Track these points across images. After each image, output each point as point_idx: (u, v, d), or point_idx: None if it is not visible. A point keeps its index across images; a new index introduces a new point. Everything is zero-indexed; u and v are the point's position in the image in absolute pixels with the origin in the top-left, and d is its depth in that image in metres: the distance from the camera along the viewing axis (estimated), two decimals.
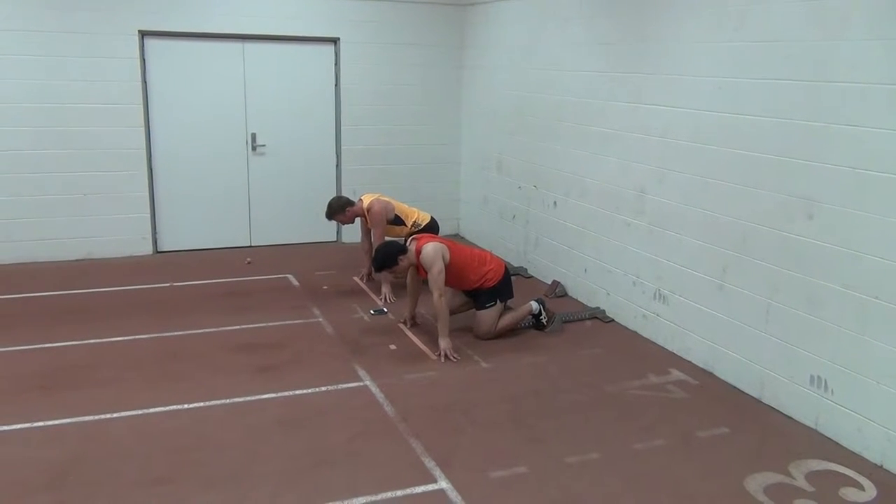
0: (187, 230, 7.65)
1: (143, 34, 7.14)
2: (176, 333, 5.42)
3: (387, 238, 6.07)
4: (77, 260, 7.20)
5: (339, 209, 6.39)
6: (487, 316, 5.37)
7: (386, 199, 6.43)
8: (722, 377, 4.79)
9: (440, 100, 8.30)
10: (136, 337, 5.33)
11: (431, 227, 6.48)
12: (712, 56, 4.72)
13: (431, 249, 5.13)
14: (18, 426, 4.05)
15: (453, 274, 5.22)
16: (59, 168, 7.03)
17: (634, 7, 5.42)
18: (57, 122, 6.97)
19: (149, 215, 7.43)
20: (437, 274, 5.06)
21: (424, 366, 4.97)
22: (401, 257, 5.23)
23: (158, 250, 7.57)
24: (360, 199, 6.45)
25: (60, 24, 6.81)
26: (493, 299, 5.38)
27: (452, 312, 5.41)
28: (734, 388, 4.67)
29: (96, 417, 4.16)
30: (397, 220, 6.40)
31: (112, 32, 6.98)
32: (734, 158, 4.58)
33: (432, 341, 5.31)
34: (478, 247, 5.78)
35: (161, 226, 7.55)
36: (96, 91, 7.02)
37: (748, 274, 4.54)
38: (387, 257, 5.24)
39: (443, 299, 5.07)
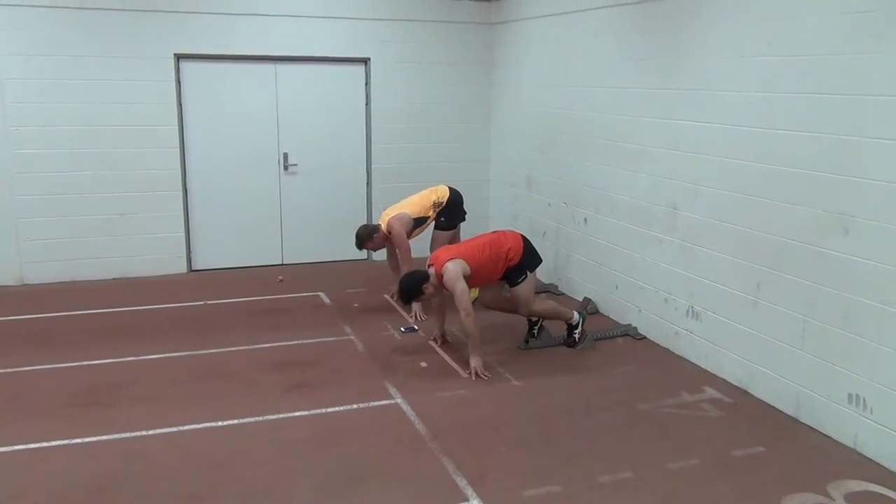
0: (221, 249, 7.76)
1: (179, 57, 7.30)
2: (210, 351, 5.49)
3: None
4: (114, 279, 7.34)
5: (367, 237, 6.42)
6: (523, 290, 5.39)
7: (398, 209, 6.42)
8: (757, 395, 4.72)
9: (470, 118, 8.35)
10: (172, 354, 5.41)
11: (454, 199, 6.61)
12: (744, 71, 4.69)
13: (452, 269, 5.11)
14: (58, 442, 4.13)
15: (480, 275, 5.24)
16: (96, 189, 7.20)
17: (665, 22, 5.43)
18: (95, 145, 7.13)
19: (183, 234, 7.56)
20: (460, 294, 5.05)
21: (455, 383, 4.97)
22: (425, 286, 5.24)
23: (193, 269, 7.69)
24: (381, 223, 6.46)
25: (98, 48, 7.00)
26: (522, 273, 5.38)
27: (501, 309, 5.54)
28: (770, 406, 4.59)
29: (133, 434, 4.23)
30: (418, 222, 6.42)
31: (148, 56, 7.15)
32: (767, 174, 4.54)
33: (463, 359, 5.31)
34: (488, 233, 5.69)
35: (195, 245, 7.67)
36: (133, 113, 7.18)
37: (783, 290, 4.48)
38: (412, 289, 5.28)
39: (470, 318, 5.06)
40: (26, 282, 7.14)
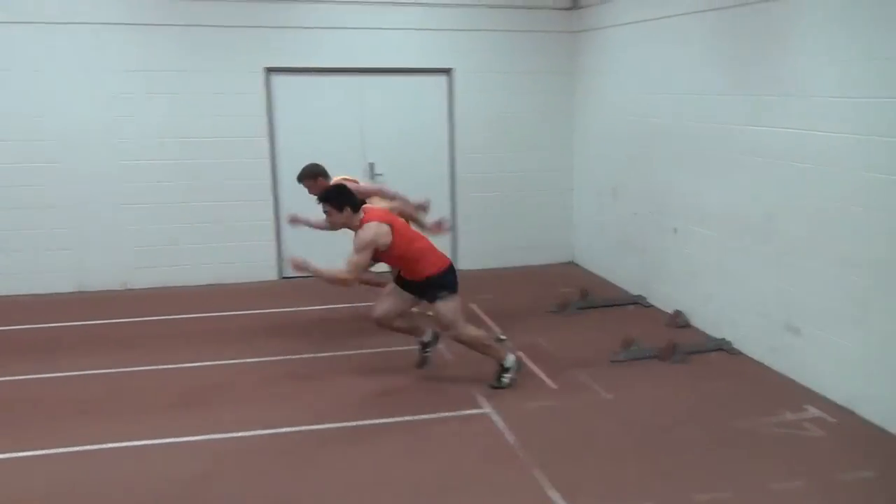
0: (309, 257, 7.88)
1: (269, 70, 7.52)
2: (301, 356, 5.61)
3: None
4: (207, 285, 7.60)
5: (311, 175, 5.89)
6: (445, 309, 4.87)
7: (352, 180, 5.90)
8: (863, 415, 4.49)
9: (553, 126, 8.29)
10: (265, 359, 5.57)
11: None
12: (842, 76, 4.50)
13: (372, 231, 4.67)
14: (158, 441, 4.30)
15: (391, 255, 4.85)
16: (191, 198, 7.49)
17: (755, 28, 5.25)
18: (191, 156, 7.42)
19: (274, 242, 7.76)
20: (355, 261, 4.69)
21: (545, 394, 4.93)
22: (347, 211, 4.76)
23: (283, 276, 7.89)
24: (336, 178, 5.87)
25: (192, 63, 7.30)
26: (442, 288, 4.86)
27: (396, 328, 5.17)
28: (878, 427, 4.36)
29: (229, 435, 4.36)
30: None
31: (240, 70, 7.41)
32: (870, 182, 4.33)
33: (553, 370, 5.27)
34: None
35: (286, 252, 7.84)
36: (226, 125, 7.44)
37: (891, 304, 4.26)
38: (336, 197, 4.79)
39: (342, 279, 4.74)
40: (130, 286, 7.47)
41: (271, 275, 7.80)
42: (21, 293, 7.22)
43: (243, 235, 7.66)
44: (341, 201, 4.79)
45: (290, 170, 7.70)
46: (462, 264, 8.17)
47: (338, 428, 4.46)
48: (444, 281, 4.90)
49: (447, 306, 4.90)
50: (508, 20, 7.93)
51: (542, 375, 5.24)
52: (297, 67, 7.58)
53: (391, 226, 4.80)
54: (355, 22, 7.58)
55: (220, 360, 5.55)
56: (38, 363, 5.47)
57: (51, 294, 7.26)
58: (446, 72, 7.98)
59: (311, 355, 5.63)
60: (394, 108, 7.94)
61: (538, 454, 4.09)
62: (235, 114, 7.46)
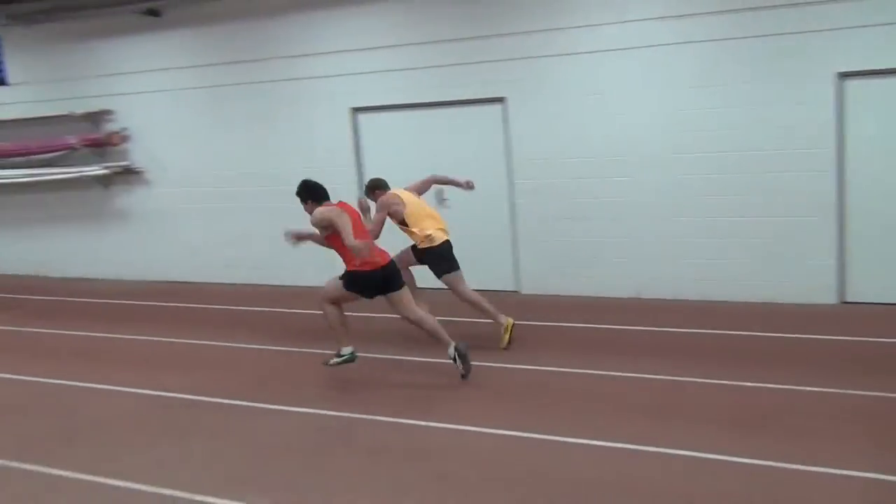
0: (878, 281, 7.03)
1: (842, 76, 6.85)
2: (878, 394, 5.01)
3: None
4: (755, 302, 7.32)
5: (370, 188, 6.43)
6: (331, 282, 5.71)
7: (398, 191, 6.30)
8: None
9: None
10: (828, 390, 5.14)
11: (441, 249, 6.20)
12: None
13: (321, 211, 5.45)
14: (708, 455, 4.31)
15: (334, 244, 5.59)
16: (744, 212, 7.30)
17: None
18: (747, 170, 7.26)
19: (834, 262, 7.10)
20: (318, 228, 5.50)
21: None
22: (309, 203, 5.58)
23: (844, 301, 7.16)
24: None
25: (753, 74, 7.08)
26: (347, 280, 5.59)
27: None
28: None
29: (787, 466, 4.14)
30: (404, 223, 6.18)
31: (806, 78, 6.93)
32: None
33: None
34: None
35: (850, 274, 7.13)
36: (787, 136, 7.05)
37: None
38: (302, 192, 5.65)
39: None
40: (681, 298, 7.69)
41: (828, 298, 7.13)
42: (585, 294, 7.96)
43: (799, 253, 7.16)
44: (305, 196, 5.68)
45: (861, 184, 6.94)
46: None
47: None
48: (353, 278, 5.57)
49: (335, 284, 5.66)
50: None
51: None
52: (879, 69, 6.70)
53: (332, 216, 5.43)
54: None
55: (773, 383, 5.32)
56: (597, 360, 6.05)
57: (611, 298, 7.83)
58: None
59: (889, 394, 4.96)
60: None
61: None
62: (797, 124, 7.01)
